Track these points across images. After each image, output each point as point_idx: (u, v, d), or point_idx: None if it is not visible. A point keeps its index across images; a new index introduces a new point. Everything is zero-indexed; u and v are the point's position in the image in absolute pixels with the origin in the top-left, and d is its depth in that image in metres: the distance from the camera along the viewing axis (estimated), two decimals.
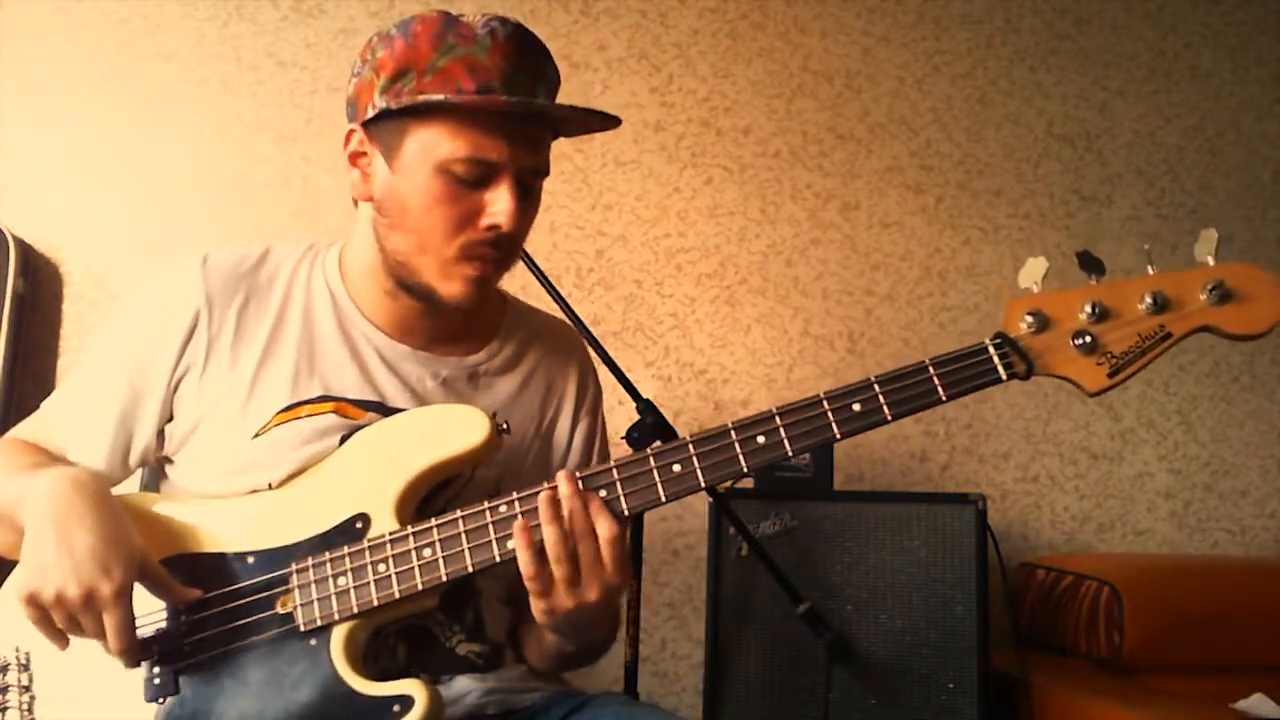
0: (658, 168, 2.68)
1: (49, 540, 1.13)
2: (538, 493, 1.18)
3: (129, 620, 1.14)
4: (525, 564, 1.15)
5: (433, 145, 1.23)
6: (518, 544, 1.16)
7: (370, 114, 1.26)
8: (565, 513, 1.16)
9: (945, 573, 2.07)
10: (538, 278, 1.96)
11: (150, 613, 1.20)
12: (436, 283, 1.28)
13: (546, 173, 1.32)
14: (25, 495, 1.19)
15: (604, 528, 1.15)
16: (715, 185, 2.69)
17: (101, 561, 1.12)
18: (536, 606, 1.18)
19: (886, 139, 2.76)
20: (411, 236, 1.27)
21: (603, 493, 1.17)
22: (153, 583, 1.18)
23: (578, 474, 1.19)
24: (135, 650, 1.16)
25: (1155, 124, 2.85)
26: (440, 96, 1.21)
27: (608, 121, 1.31)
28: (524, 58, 1.26)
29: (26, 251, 2.37)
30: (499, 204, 1.24)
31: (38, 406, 1.40)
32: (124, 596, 1.13)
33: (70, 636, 1.16)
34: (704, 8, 2.74)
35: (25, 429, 1.37)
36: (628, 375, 1.94)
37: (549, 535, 1.15)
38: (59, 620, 1.13)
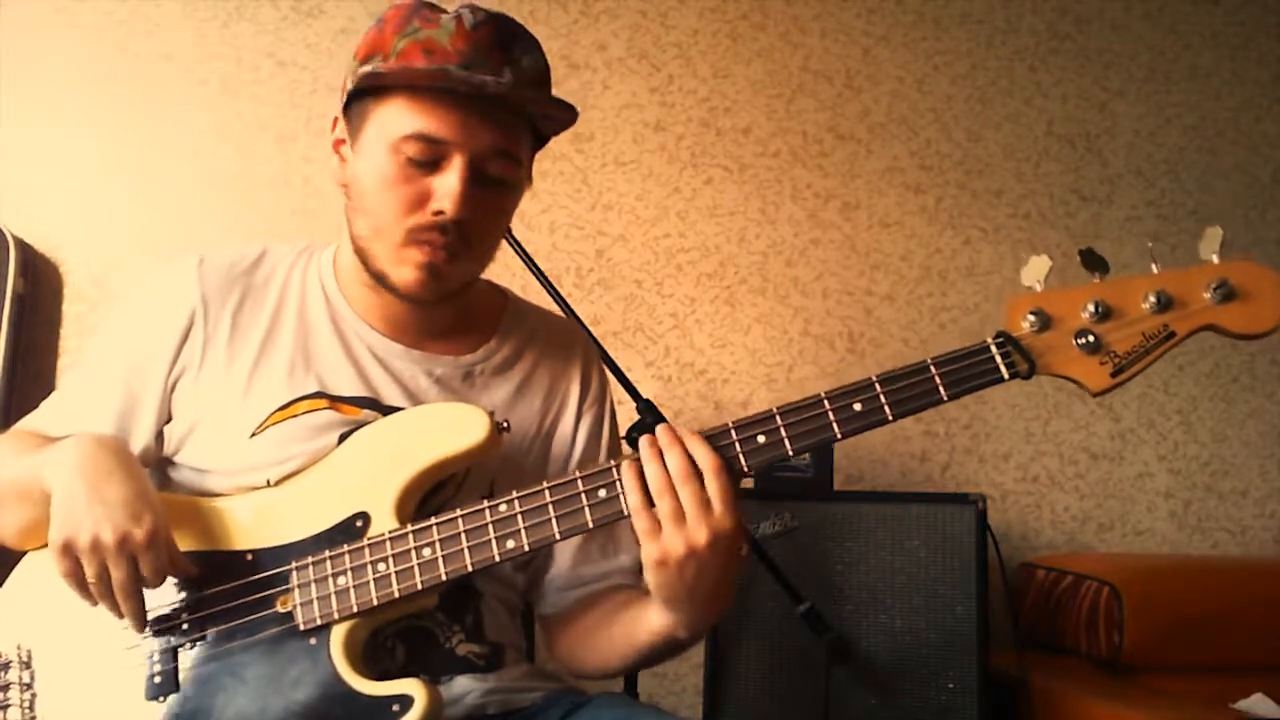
0: (658, 168, 2.67)
1: (80, 492, 1.14)
2: (539, 491, 1.18)
3: (164, 562, 1.15)
4: (634, 499, 1.13)
5: (387, 124, 1.24)
6: (627, 482, 1.15)
7: (344, 99, 1.28)
8: (665, 452, 1.14)
9: (945, 573, 2.07)
10: (538, 278, 1.96)
11: (151, 609, 1.20)
12: (388, 268, 1.28)
13: (517, 161, 1.29)
14: (47, 462, 1.19)
15: (706, 461, 1.13)
16: (715, 185, 2.69)
17: (133, 509, 1.14)
18: (650, 557, 1.13)
19: (886, 139, 2.76)
20: (369, 219, 1.27)
21: (602, 492, 1.17)
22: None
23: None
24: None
25: (1155, 124, 2.85)
26: (370, 68, 1.22)
27: (567, 112, 1.29)
28: (491, 44, 1.23)
29: (26, 251, 2.37)
30: (445, 187, 1.23)
31: (37, 407, 1.39)
32: (157, 540, 1.14)
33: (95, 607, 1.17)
34: (704, 8, 2.74)
35: (24, 427, 1.37)
36: (628, 375, 1.94)
37: (650, 472, 1.13)
38: (91, 571, 1.14)
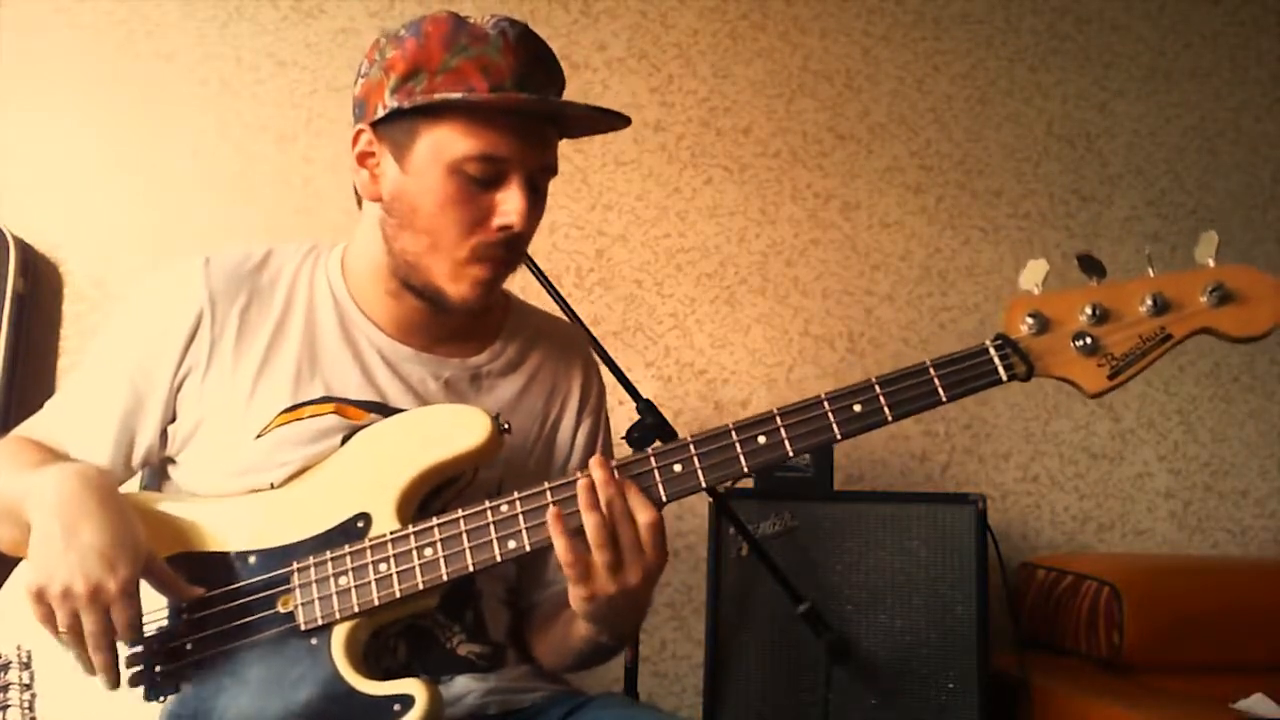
0: (658, 168, 2.68)
1: (56, 537, 1.12)
2: (540, 491, 1.18)
3: (136, 616, 1.14)
4: (563, 551, 1.14)
5: (445, 145, 1.23)
6: (553, 532, 1.15)
7: (380, 114, 1.26)
8: (603, 500, 1.15)
9: (945, 573, 2.07)
10: (538, 278, 1.95)
11: (152, 611, 1.20)
12: (446, 284, 1.28)
13: (555, 171, 1.32)
14: (31, 491, 1.18)
15: (643, 514, 1.15)
16: (715, 185, 2.69)
17: (108, 558, 1.12)
18: (576, 595, 1.16)
19: (886, 139, 2.76)
20: (422, 237, 1.27)
21: None
22: (158, 580, 1.18)
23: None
24: (141, 644, 1.16)
25: (1155, 124, 2.85)
26: (457, 95, 1.21)
27: (617, 121, 1.31)
28: (534, 58, 1.26)
29: (26, 251, 2.37)
30: (510, 203, 1.25)
31: (38, 407, 1.39)
32: (130, 592, 1.13)
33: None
34: (704, 8, 2.74)
35: (27, 429, 1.37)
36: (628, 375, 1.94)
37: (589, 522, 1.14)
38: (63, 618, 1.12)
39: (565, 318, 1.69)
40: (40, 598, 1.12)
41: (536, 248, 2.39)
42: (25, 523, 1.17)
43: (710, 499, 2.03)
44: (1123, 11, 2.88)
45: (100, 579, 1.11)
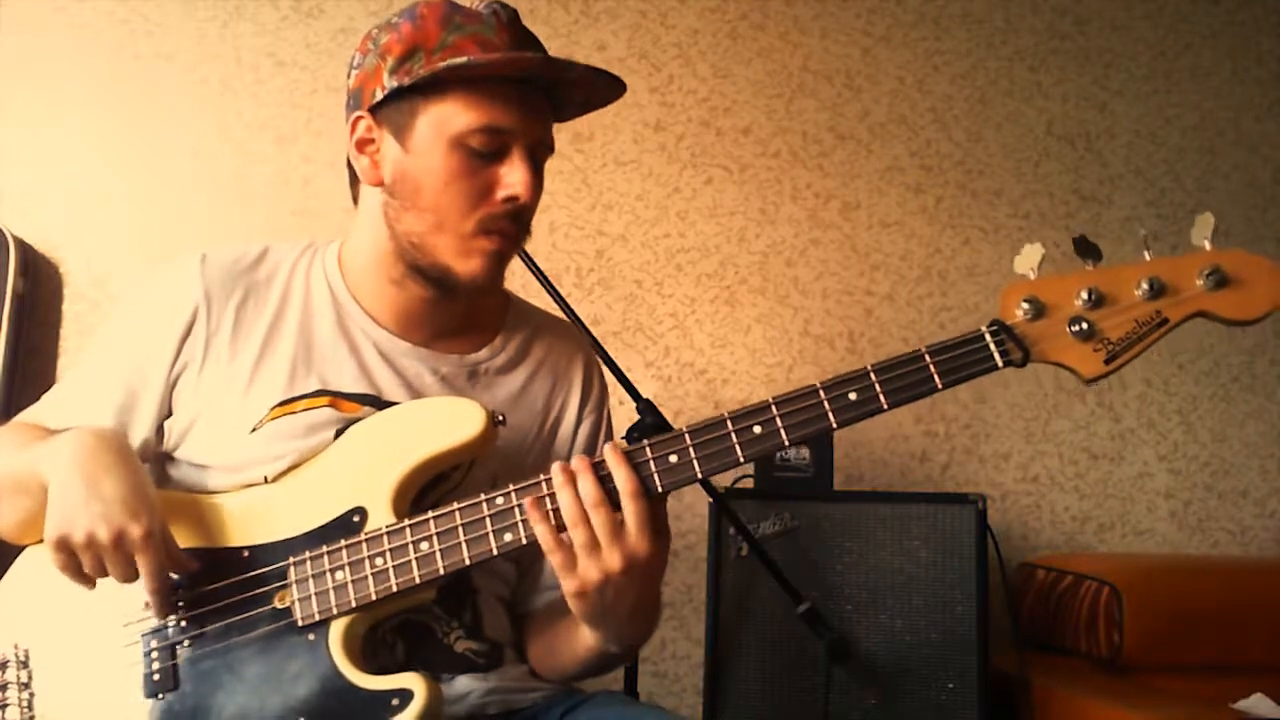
0: (658, 168, 2.68)
1: (78, 487, 1.14)
2: (536, 483, 1.18)
3: (162, 562, 1.15)
4: (543, 536, 1.14)
5: (446, 119, 1.24)
6: (531, 518, 1.15)
7: (379, 97, 1.26)
8: (577, 473, 1.14)
9: (945, 573, 2.06)
10: (538, 278, 1.96)
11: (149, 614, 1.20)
12: (454, 261, 1.28)
13: (552, 149, 1.32)
14: (46, 454, 1.19)
15: (623, 484, 1.13)
16: (715, 185, 2.69)
17: (130, 506, 1.14)
18: (568, 589, 1.15)
19: (886, 139, 2.76)
20: (427, 215, 1.27)
21: None
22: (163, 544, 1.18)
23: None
24: (167, 594, 1.17)
25: (1155, 124, 2.86)
26: (461, 59, 1.21)
27: (613, 90, 1.31)
28: (524, 36, 1.29)
29: (26, 251, 2.37)
30: (515, 175, 1.25)
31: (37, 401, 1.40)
32: (153, 538, 1.14)
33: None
34: (704, 8, 2.74)
35: (24, 420, 1.37)
36: (628, 375, 1.94)
37: (562, 500, 1.14)
38: (87, 565, 1.14)
39: (563, 317, 1.68)
40: (62, 546, 1.13)
41: (536, 248, 2.40)
42: (38, 488, 1.18)
43: (710, 499, 2.03)
44: (1123, 11, 2.88)
45: (124, 525, 1.13)
